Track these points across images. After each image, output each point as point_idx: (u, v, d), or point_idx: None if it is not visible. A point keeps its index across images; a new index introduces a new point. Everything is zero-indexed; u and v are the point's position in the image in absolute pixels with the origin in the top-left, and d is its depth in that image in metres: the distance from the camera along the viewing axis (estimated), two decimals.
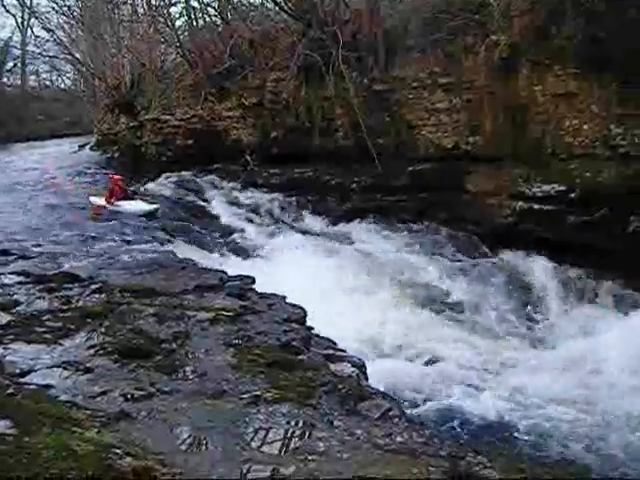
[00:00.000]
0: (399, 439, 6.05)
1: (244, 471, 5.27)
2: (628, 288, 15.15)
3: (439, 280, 15.87)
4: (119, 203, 19.63)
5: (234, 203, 20.98)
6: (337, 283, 14.83)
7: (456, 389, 11.24)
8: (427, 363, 12.44)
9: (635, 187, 15.16)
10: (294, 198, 20.83)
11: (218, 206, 20.66)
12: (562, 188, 16.58)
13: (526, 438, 9.97)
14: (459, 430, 9.90)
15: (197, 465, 5.26)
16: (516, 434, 10.07)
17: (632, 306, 14.51)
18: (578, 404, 10.98)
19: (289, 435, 6.05)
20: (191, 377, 7.20)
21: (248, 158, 22.73)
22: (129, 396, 6.54)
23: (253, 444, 5.80)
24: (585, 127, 16.56)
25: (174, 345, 8.04)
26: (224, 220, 19.76)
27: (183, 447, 5.60)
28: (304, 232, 18.89)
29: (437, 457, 5.67)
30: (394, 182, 19.55)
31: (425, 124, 19.49)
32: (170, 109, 25.46)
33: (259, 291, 10.74)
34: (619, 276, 15.42)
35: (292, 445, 5.85)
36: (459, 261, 17.03)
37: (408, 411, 8.45)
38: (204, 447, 5.65)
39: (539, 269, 16.18)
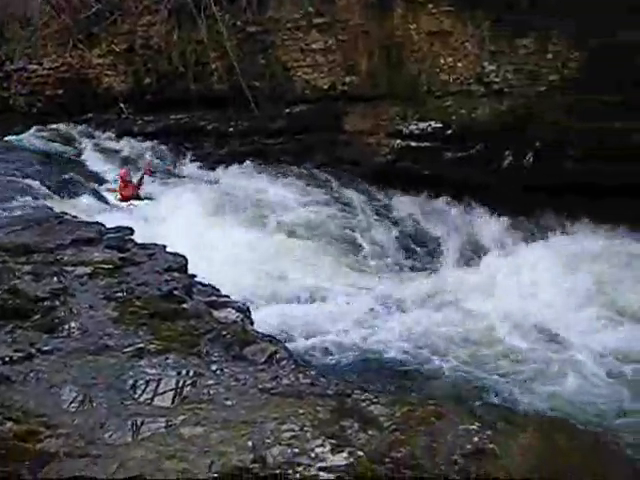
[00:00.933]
0: (285, 381, 6.07)
1: (137, 425, 5.21)
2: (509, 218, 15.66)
3: (321, 220, 15.93)
4: (135, 203, 17.37)
5: (109, 153, 20.40)
6: (216, 228, 14.69)
7: (344, 328, 11.38)
8: (313, 302, 12.51)
9: (508, 123, 15.57)
10: (171, 145, 20.42)
11: (93, 157, 20.07)
12: (438, 125, 16.87)
13: (415, 374, 10.22)
14: (347, 369, 10.05)
15: (84, 424, 5.13)
16: (404, 370, 10.29)
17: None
18: (468, 341, 11.31)
19: (176, 386, 5.97)
20: (72, 334, 6.98)
21: (122, 106, 22.08)
22: (7, 359, 6.28)
23: (142, 398, 5.70)
24: (459, 65, 16.82)
25: (53, 303, 7.76)
26: (99, 171, 19.23)
27: (68, 407, 5.43)
28: (181, 178, 18.58)
29: (324, 397, 5.71)
30: (272, 125, 19.43)
31: (300, 65, 19.38)
32: (37, 58, 24.32)
33: (138, 242, 10.50)
34: (494, 210, 15.89)
35: (180, 395, 5.78)
36: (339, 201, 17.12)
37: (295, 353, 8.46)
38: (90, 405, 5.49)
39: (419, 206, 16.46)
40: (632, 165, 14.03)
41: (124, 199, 17.34)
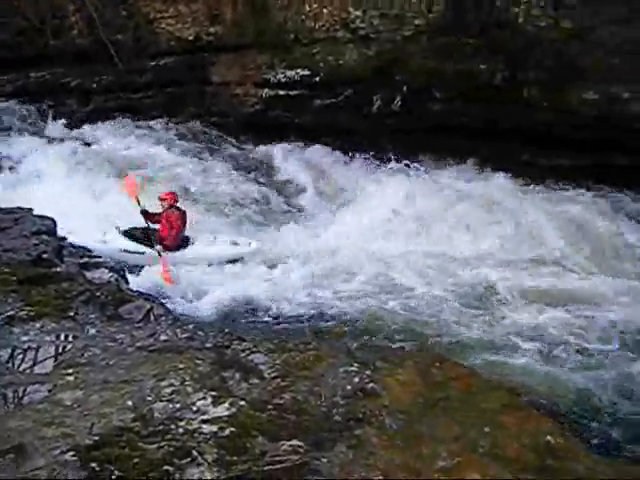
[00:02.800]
0: (163, 338, 6.00)
1: (17, 395, 5.06)
2: (375, 161, 15.87)
3: (190, 174, 15.76)
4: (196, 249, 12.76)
5: None
6: (84, 187, 14.31)
7: (220, 280, 11.34)
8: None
9: (376, 68, 15.69)
10: (31, 104, 19.56)
11: None
12: (306, 73, 16.84)
13: (289, 321, 10.31)
14: (225, 321, 10.03)
15: None
16: (281, 317, 10.37)
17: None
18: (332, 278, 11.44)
19: (51, 351, 5.82)
20: None
21: None
22: None
23: (21, 367, 5.53)
24: (325, 11, 16.79)
25: None
26: None
27: None
28: (46, 139, 17.88)
29: (203, 350, 5.69)
30: (138, 79, 18.94)
31: (164, 17, 18.93)
32: None
33: (2, 206, 10.08)
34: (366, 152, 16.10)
35: (57, 361, 5.64)
36: (209, 153, 16.94)
37: (173, 309, 8.39)
38: None
39: (290, 154, 16.46)
40: (496, 106, 14.42)
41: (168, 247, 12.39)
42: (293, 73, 16.93)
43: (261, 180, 15.84)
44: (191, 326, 6.42)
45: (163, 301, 8.46)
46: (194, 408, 4.79)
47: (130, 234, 12.19)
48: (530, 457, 4.67)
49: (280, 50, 17.30)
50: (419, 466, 4.30)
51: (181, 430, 4.54)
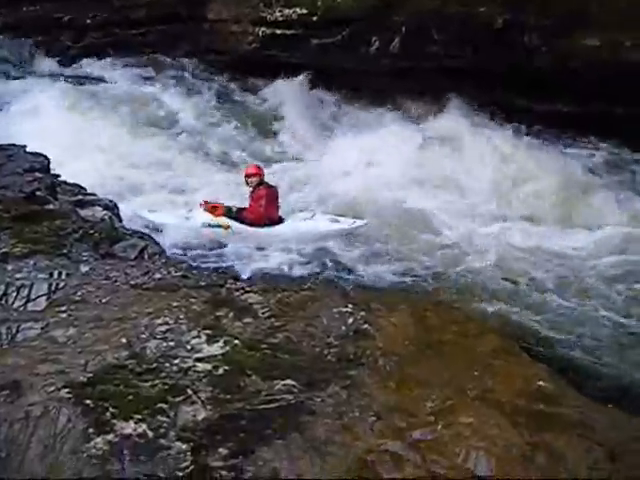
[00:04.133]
0: (157, 276, 6.00)
1: (11, 332, 5.08)
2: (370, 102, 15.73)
3: (181, 112, 15.57)
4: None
5: None
6: (76, 125, 14.11)
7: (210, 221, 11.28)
8: (177, 193, 12.35)
9: (375, 8, 15.45)
10: (24, 40, 19.19)
11: None
12: (304, 11, 16.54)
13: (286, 259, 10.29)
14: (220, 262, 10.01)
15: None
16: (272, 260, 10.32)
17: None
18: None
19: (45, 289, 5.82)
20: None
21: None
22: None
23: (15, 304, 5.53)
24: None
25: None
26: None
27: None
28: (39, 76, 17.62)
29: (197, 288, 5.70)
30: (132, 15, 18.57)
31: None
32: None
33: None
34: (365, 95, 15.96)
35: (50, 298, 5.63)
36: (206, 92, 16.76)
37: (167, 249, 8.35)
38: None
39: (289, 93, 16.28)
40: (495, 49, 14.24)
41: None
42: (290, 12, 16.64)
43: (262, 118, 15.65)
44: (185, 264, 6.43)
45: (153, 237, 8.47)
46: (188, 346, 4.81)
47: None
48: (521, 401, 4.71)
49: None
50: (411, 408, 4.34)
51: (175, 368, 4.56)
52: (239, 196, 11.72)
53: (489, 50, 14.32)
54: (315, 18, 16.34)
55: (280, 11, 16.76)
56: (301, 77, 16.26)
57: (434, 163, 13.22)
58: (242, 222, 10.95)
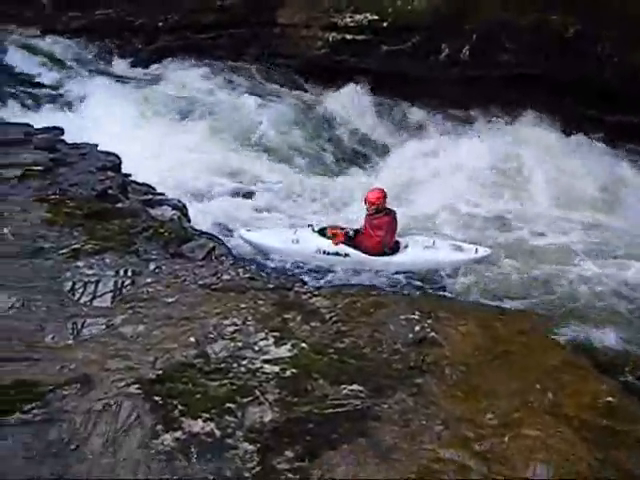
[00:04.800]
0: (226, 277, 6.05)
1: (77, 327, 5.17)
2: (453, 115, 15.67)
3: (256, 117, 15.63)
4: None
5: (33, 51, 19.47)
6: (150, 127, 14.29)
7: (283, 221, 11.32)
8: (247, 197, 12.36)
9: (445, 16, 15.36)
10: (97, 42, 19.55)
11: (15, 56, 19.12)
12: (374, 17, 16.51)
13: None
14: (287, 265, 9.99)
15: (24, 327, 5.07)
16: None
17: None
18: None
19: (115, 286, 5.92)
20: (5, 239, 6.77)
21: (44, 1, 21.02)
22: None
23: (81, 299, 5.65)
24: None
25: None
26: (23, 70, 18.35)
27: (6, 312, 5.32)
28: (111, 77, 17.91)
29: (265, 290, 5.72)
30: (204, 19, 18.78)
31: None
32: None
33: (69, 142, 10.15)
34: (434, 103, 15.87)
35: (120, 295, 5.74)
36: (276, 97, 16.83)
37: (235, 250, 8.41)
38: (29, 309, 5.39)
39: (355, 99, 16.26)
40: (566, 59, 14.06)
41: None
42: (361, 17, 16.63)
43: (325, 126, 15.66)
44: (253, 267, 6.46)
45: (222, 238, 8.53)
46: (256, 348, 4.84)
47: (326, 233, 10.38)
48: (589, 416, 4.64)
49: None
50: (478, 418, 4.31)
51: (243, 369, 4.59)
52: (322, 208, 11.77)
53: (560, 60, 14.15)
54: (385, 24, 16.29)
55: (351, 17, 16.74)
56: (370, 83, 16.23)
57: (512, 174, 13.09)
58: (357, 247, 10.13)
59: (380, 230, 10.02)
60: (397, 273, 9.91)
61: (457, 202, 12.11)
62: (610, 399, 4.90)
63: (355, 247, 10.10)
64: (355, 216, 11.00)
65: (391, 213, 10.17)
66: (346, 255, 10.03)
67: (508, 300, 9.02)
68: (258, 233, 10.33)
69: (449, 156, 13.38)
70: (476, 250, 10.38)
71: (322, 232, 10.22)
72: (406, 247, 10.30)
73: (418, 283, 9.42)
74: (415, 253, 10.22)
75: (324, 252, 10.05)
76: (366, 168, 14.01)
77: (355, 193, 12.24)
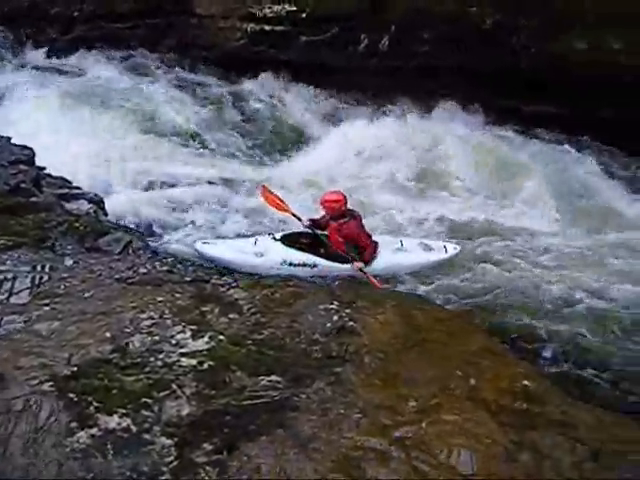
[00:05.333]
0: (142, 270, 5.96)
1: None
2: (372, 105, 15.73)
3: (174, 109, 15.45)
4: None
5: None
6: (65, 117, 13.96)
7: (198, 213, 11.19)
8: (163, 187, 12.16)
9: (364, 7, 15.43)
10: (11, 31, 19.03)
11: None
12: (293, 8, 16.48)
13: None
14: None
15: None
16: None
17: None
18: None
19: (30, 282, 5.78)
20: None
21: None
22: None
23: None
24: None
25: None
26: None
27: None
28: (25, 67, 17.48)
29: (182, 283, 5.66)
30: (118, 8, 18.44)
31: None
32: None
33: None
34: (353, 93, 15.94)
35: (36, 291, 5.60)
36: (194, 88, 16.65)
37: (152, 243, 8.29)
38: None
39: (273, 90, 16.24)
40: (484, 50, 14.25)
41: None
42: (280, 8, 16.56)
43: (240, 115, 15.56)
44: (170, 259, 6.38)
45: (140, 231, 8.41)
46: (173, 341, 4.78)
47: (291, 242, 9.51)
48: (506, 400, 4.71)
49: None
50: (397, 406, 4.33)
51: (160, 363, 4.54)
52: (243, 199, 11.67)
53: (477, 50, 14.34)
54: (304, 15, 16.28)
55: (269, 7, 16.66)
56: (290, 74, 16.22)
57: (431, 165, 13.22)
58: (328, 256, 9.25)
59: (353, 235, 9.13)
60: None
61: (378, 195, 12.18)
62: (526, 383, 4.99)
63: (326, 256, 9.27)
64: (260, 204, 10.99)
65: (357, 216, 9.37)
66: (314, 266, 9.16)
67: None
68: (217, 247, 9.24)
69: (369, 147, 13.46)
70: (445, 248, 10.02)
71: (286, 241, 9.34)
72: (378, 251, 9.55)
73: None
74: (387, 258, 9.53)
75: (290, 264, 9.17)
76: (284, 159, 13.98)
77: (272, 182, 12.26)
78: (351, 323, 5.17)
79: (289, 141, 14.68)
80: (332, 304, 5.38)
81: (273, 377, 4.42)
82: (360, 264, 8.86)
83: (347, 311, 5.32)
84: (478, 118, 14.55)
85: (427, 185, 12.63)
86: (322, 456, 3.81)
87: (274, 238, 9.33)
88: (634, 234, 11.48)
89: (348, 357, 4.78)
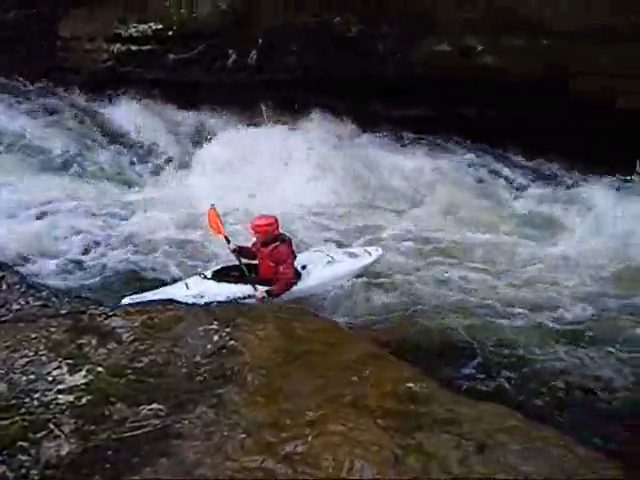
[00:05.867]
0: (15, 307, 5.79)
1: None
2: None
3: (41, 138, 15.03)
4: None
5: None
6: None
7: (76, 242, 10.96)
8: (38, 218, 11.86)
9: (230, 22, 15.45)
10: None
11: None
12: (159, 26, 16.36)
13: (152, 280, 10.04)
14: (83, 284, 9.71)
15: None
16: (142, 277, 10.12)
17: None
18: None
19: None
20: None
21: None
22: None
23: None
24: None
25: None
26: None
27: None
28: None
29: (57, 317, 5.51)
30: None
31: None
32: None
33: None
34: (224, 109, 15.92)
35: None
36: (59, 113, 16.25)
37: (28, 274, 8.06)
38: None
39: (140, 110, 16.08)
40: (351, 58, 14.43)
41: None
42: (146, 27, 16.41)
43: (113, 139, 15.31)
44: (45, 293, 6.19)
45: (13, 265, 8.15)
46: (49, 378, 4.64)
47: (223, 276, 9.30)
48: (391, 404, 4.76)
49: (131, 4, 16.73)
50: (281, 422, 4.32)
51: (36, 402, 4.39)
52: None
53: (344, 58, 14.55)
54: (171, 33, 16.19)
55: (135, 27, 16.50)
56: (159, 93, 16.09)
57: (305, 173, 13.31)
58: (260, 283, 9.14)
59: (285, 262, 9.13)
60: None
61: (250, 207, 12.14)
62: (410, 385, 5.05)
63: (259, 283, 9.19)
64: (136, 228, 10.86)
65: (288, 240, 9.33)
66: (263, 298, 8.99)
67: None
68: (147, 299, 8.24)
69: (242, 162, 13.49)
70: (369, 252, 10.20)
71: (219, 278, 9.22)
72: (304, 268, 9.60)
73: None
74: (319, 274, 9.56)
75: (232, 299, 8.90)
76: (156, 179, 13.89)
77: (140, 205, 12.16)
78: (232, 342, 5.13)
79: (159, 162, 14.61)
80: (212, 324, 5.34)
81: (154, 405, 4.34)
82: (262, 293, 8.90)
83: (227, 330, 5.28)
84: (349, 126, 14.82)
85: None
86: None
87: (205, 277, 9.16)
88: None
89: (230, 377, 4.74)
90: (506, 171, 13.86)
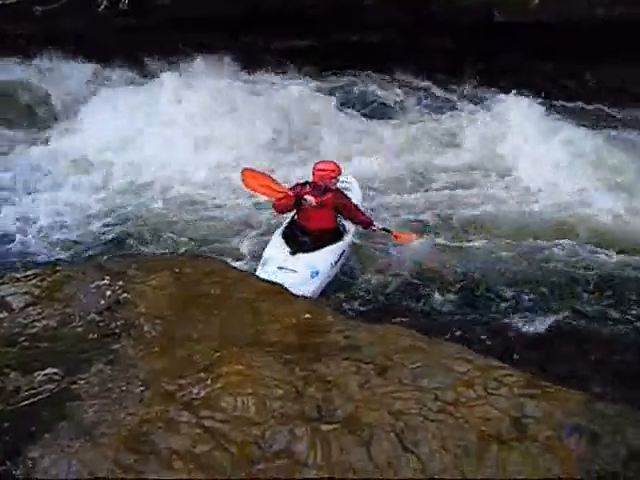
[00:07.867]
0: None
1: None
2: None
3: None
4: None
5: None
6: None
7: None
8: None
9: None
10: None
11: None
12: None
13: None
14: None
15: None
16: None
17: None
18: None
19: None
20: None
21: None
22: None
23: None
24: None
25: None
26: None
27: None
28: None
29: None
30: None
31: None
32: None
33: None
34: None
35: None
36: None
37: None
38: None
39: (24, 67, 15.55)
40: None
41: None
42: None
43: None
44: None
45: None
46: None
47: (301, 245, 8.64)
48: (290, 338, 4.80)
49: None
50: (180, 369, 4.32)
51: None
52: None
53: None
54: None
55: None
56: (31, 47, 15.51)
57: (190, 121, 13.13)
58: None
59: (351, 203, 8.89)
60: None
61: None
62: (308, 316, 5.12)
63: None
64: None
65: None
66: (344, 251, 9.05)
67: None
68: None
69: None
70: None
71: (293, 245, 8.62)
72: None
73: None
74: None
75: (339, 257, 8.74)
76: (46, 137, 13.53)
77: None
78: (125, 295, 5.08)
79: (43, 119, 14.20)
80: (103, 280, 5.25)
81: (48, 370, 4.28)
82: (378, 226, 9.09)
83: (119, 283, 5.21)
84: (231, 66, 14.59)
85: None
86: (109, 439, 3.75)
87: (292, 252, 8.53)
88: None
89: (125, 331, 4.71)
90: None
